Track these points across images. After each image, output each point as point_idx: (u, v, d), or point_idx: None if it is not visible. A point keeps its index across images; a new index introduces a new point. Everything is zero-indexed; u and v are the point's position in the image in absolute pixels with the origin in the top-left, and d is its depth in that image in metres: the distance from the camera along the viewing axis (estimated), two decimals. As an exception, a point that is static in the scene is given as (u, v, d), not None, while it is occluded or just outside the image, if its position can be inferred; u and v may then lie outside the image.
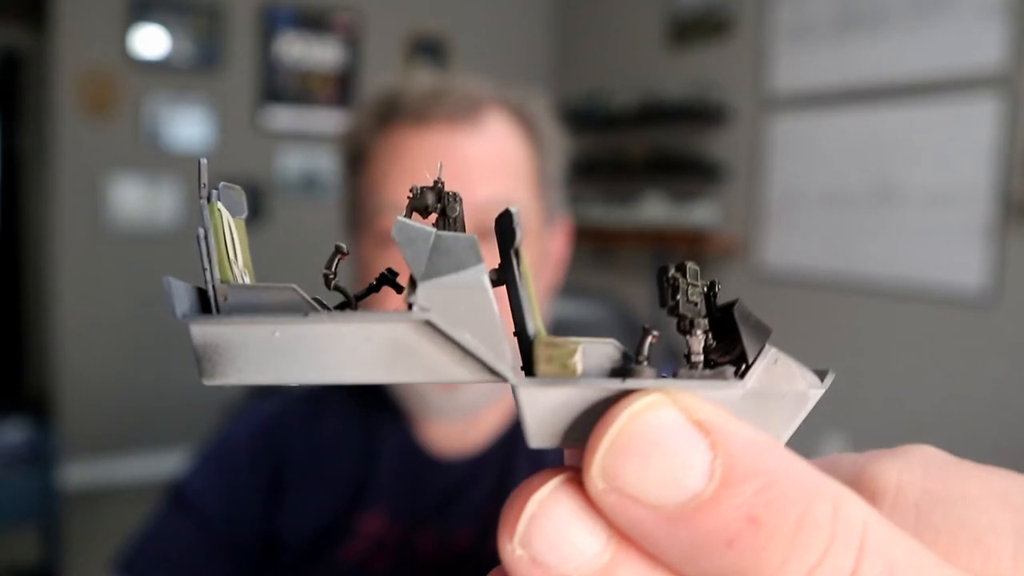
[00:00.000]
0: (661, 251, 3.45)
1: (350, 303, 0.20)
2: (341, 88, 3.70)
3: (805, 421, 0.18)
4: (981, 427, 2.41)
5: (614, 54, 3.83)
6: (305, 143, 3.64)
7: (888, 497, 0.17)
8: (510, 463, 0.75)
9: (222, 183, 0.21)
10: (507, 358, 0.17)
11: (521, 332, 0.19)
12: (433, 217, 0.19)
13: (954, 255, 2.50)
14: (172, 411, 3.42)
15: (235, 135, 3.51)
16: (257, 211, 3.52)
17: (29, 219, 4.57)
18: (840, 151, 2.81)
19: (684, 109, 3.30)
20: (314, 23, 3.64)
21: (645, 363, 0.17)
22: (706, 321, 0.18)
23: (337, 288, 0.21)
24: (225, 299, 0.19)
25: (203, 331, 0.18)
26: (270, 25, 3.56)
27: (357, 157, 0.75)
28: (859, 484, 0.18)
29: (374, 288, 0.21)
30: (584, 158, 3.64)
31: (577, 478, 0.16)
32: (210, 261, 0.19)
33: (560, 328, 1.06)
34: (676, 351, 1.25)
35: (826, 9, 2.85)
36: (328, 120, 3.63)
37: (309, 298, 0.18)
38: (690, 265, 0.18)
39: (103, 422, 3.35)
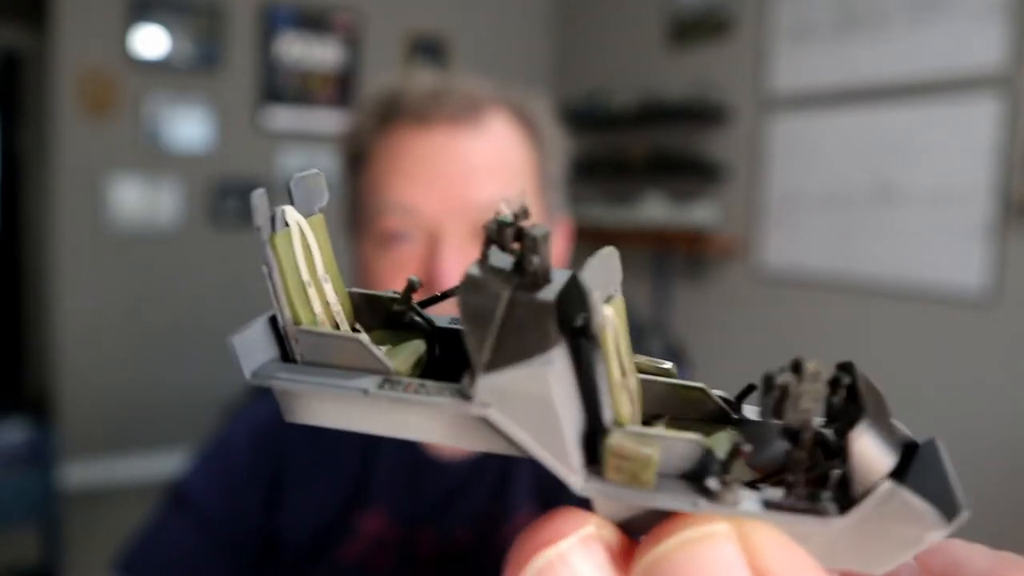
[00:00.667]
0: (661, 251, 3.45)
1: (431, 330, 0.20)
2: (341, 88, 3.70)
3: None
4: (981, 427, 2.41)
5: (614, 54, 3.83)
6: (305, 143, 3.64)
7: None
8: (510, 465, 0.75)
9: (297, 175, 0.20)
10: (569, 461, 0.16)
11: (594, 417, 0.17)
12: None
13: (954, 255, 2.50)
14: (172, 411, 3.42)
15: (235, 135, 3.51)
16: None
17: (29, 219, 4.56)
18: (840, 151, 2.81)
19: (684, 109, 3.30)
20: (314, 23, 3.64)
21: (727, 484, 0.15)
22: (812, 434, 0.16)
23: (412, 322, 0.21)
24: (297, 341, 0.19)
25: (276, 385, 0.18)
26: (270, 25, 3.55)
27: (358, 157, 0.75)
28: None
29: (440, 298, 0.21)
30: (584, 158, 3.63)
31: (597, 534, 0.15)
32: (278, 302, 0.19)
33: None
34: (678, 351, 1.25)
35: (826, 9, 2.85)
36: (328, 120, 3.62)
37: (375, 350, 0.18)
38: (810, 365, 0.15)
39: (103, 422, 3.34)
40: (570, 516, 0.15)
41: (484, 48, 3.97)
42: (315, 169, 0.20)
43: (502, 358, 0.16)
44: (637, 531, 0.16)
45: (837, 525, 0.15)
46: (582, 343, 0.17)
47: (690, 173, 3.31)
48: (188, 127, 3.42)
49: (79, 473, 3.19)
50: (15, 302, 4.71)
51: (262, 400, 0.84)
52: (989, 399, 2.41)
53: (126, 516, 1.95)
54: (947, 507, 0.15)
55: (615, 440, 0.16)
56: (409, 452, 0.75)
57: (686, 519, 0.15)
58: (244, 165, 3.51)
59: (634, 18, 3.70)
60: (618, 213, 3.56)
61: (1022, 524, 2.30)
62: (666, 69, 3.51)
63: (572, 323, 0.16)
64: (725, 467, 0.15)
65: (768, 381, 0.15)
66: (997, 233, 2.40)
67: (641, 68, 3.66)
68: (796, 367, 0.15)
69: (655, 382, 0.18)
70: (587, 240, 3.83)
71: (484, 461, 0.75)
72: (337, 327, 0.20)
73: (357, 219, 0.75)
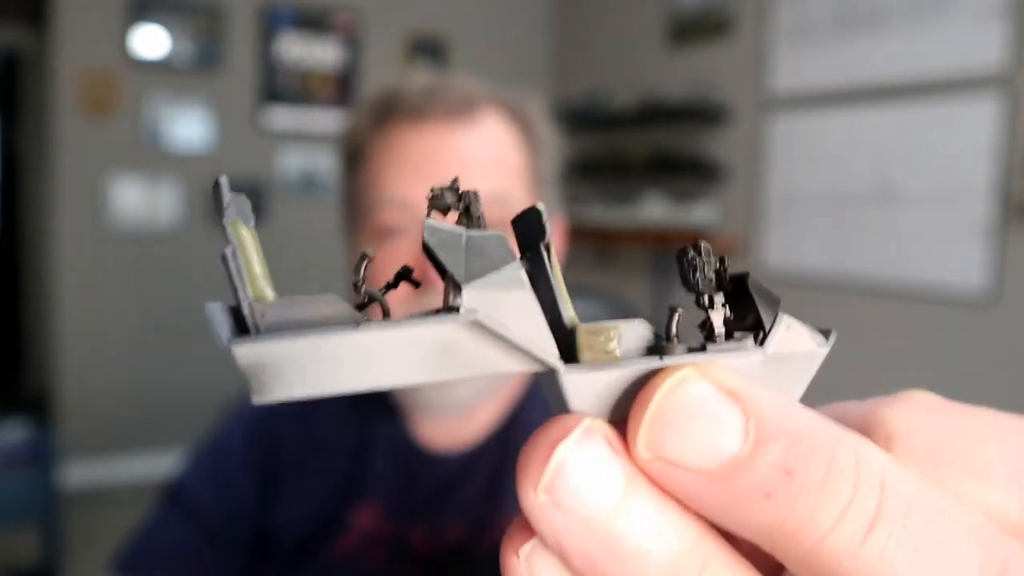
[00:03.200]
0: (661, 251, 3.45)
1: (383, 306, 0.21)
2: (341, 88, 3.71)
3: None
4: (981, 427, 2.41)
5: (614, 54, 3.83)
6: (305, 143, 3.64)
7: (901, 440, 0.19)
8: (504, 459, 0.75)
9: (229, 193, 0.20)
10: (552, 350, 0.18)
11: (556, 322, 0.19)
12: (453, 216, 0.20)
13: (954, 255, 2.50)
14: (172, 411, 3.42)
15: (235, 135, 3.51)
16: (257, 211, 3.52)
17: (29, 219, 4.57)
18: (840, 151, 2.81)
19: (684, 109, 3.30)
20: (314, 23, 3.64)
21: (676, 340, 0.19)
22: (723, 295, 0.19)
23: (368, 293, 0.21)
24: (263, 316, 0.18)
25: (249, 352, 0.18)
26: (270, 25, 3.56)
27: (355, 155, 0.76)
28: (870, 429, 0.19)
29: (392, 285, 0.21)
30: (584, 158, 3.63)
31: (595, 425, 0.17)
32: (241, 280, 0.18)
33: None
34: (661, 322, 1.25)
35: (826, 9, 2.85)
36: (328, 120, 3.63)
37: (351, 306, 0.19)
38: (703, 244, 0.19)
39: (103, 422, 3.35)
40: (567, 417, 0.17)
41: (484, 48, 3.97)
42: (242, 193, 0.20)
43: (475, 273, 0.18)
44: (618, 418, 0.18)
45: (761, 356, 0.19)
46: (532, 267, 0.20)
47: (690, 173, 3.31)
48: (188, 127, 3.42)
49: (79, 473, 3.19)
50: (15, 302, 4.71)
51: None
52: (989, 399, 2.40)
53: (126, 516, 1.95)
54: (824, 332, 0.20)
55: (582, 325, 0.18)
56: (403, 446, 0.76)
57: (658, 379, 0.17)
58: (244, 165, 3.51)
59: (634, 18, 3.70)
60: (618, 213, 3.56)
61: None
62: (666, 69, 3.51)
63: (523, 252, 0.20)
64: (668, 330, 0.19)
65: (681, 255, 0.19)
66: (997, 233, 2.40)
67: (641, 68, 3.66)
68: (696, 247, 0.19)
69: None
70: (588, 240, 3.82)
71: (478, 454, 0.75)
72: None
73: (354, 214, 0.76)
